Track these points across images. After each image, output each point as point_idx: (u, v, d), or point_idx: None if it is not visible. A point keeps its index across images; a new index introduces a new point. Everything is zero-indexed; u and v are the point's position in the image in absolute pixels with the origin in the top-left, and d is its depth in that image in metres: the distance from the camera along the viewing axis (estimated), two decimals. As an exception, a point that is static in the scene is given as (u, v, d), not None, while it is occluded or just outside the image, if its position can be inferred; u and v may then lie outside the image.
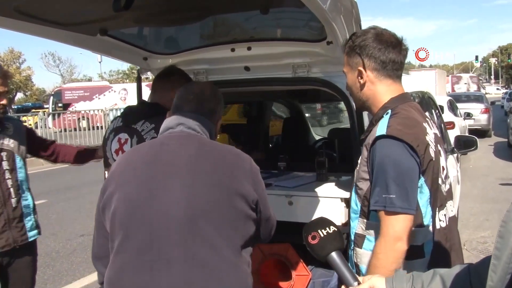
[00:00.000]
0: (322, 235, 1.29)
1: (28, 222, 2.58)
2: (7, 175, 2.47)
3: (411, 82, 3.62)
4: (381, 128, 1.53)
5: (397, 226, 1.45)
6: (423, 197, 1.53)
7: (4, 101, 2.48)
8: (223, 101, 1.67)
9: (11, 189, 2.48)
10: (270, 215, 1.58)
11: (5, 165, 2.47)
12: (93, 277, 4.66)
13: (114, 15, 1.83)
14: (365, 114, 2.22)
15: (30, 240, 2.59)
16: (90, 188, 8.79)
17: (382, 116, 1.59)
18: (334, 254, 1.27)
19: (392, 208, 1.45)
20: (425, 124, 1.61)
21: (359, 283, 1.24)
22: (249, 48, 2.41)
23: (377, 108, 1.64)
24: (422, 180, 1.51)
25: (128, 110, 2.33)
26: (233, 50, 2.46)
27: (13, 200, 2.49)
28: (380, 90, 1.63)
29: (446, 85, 29.18)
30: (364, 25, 1.88)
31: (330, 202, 2.49)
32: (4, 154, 2.48)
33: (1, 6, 1.75)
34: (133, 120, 2.18)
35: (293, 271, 2.78)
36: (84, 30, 2.16)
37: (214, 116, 1.60)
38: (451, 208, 1.70)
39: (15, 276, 2.55)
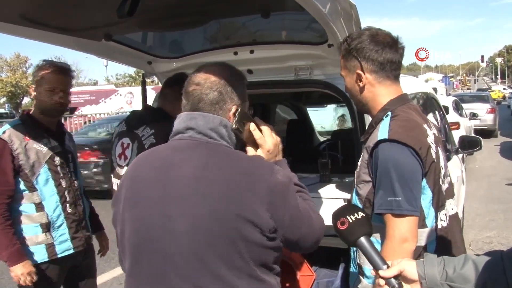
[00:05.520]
0: (350, 221, 1.30)
1: (88, 223, 2.59)
2: (74, 176, 2.47)
3: None
4: (382, 131, 1.53)
5: (403, 228, 1.47)
6: (426, 198, 1.55)
7: (59, 100, 2.30)
8: (245, 81, 1.43)
9: (78, 191, 2.49)
10: (302, 235, 1.32)
11: (71, 166, 2.47)
12: (104, 277, 4.71)
13: (119, 21, 1.87)
14: (367, 116, 2.24)
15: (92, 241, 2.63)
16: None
17: (382, 119, 1.60)
18: (363, 239, 1.29)
19: (399, 210, 1.46)
20: (425, 126, 1.62)
21: (388, 267, 1.26)
22: (251, 52, 2.44)
23: (376, 111, 1.65)
24: (424, 182, 1.54)
25: (132, 115, 2.37)
26: (236, 53, 2.48)
27: (81, 201, 2.50)
28: (379, 92, 1.63)
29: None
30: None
31: (333, 203, 2.50)
32: (69, 156, 2.48)
33: (8, 13, 1.80)
34: (135, 125, 2.22)
35: (297, 272, 2.78)
36: (89, 36, 2.20)
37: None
38: (451, 207, 1.72)
39: (83, 277, 2.57)
